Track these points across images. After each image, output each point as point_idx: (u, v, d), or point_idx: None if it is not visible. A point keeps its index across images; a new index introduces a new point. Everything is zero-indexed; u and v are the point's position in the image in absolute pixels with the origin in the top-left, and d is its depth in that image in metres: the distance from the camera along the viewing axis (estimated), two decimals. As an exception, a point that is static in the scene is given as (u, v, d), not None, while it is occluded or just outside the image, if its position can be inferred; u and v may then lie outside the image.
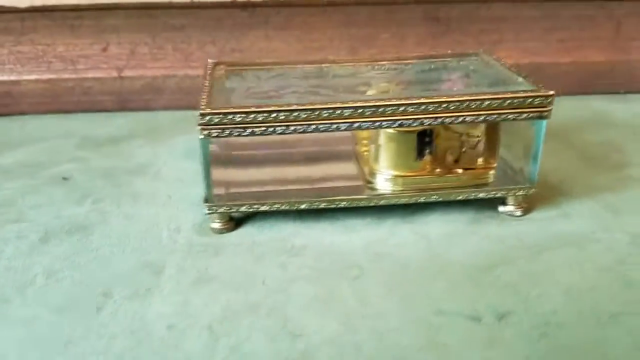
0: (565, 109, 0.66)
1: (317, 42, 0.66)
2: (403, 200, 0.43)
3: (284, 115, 0.39)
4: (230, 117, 0.38)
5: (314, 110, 0.39)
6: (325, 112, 0.39)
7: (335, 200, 0.42)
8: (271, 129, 0.39)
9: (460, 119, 0.40)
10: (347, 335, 0.31)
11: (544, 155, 0.51)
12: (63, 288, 0.35)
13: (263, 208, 0.42)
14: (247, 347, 0.31)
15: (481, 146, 0.44)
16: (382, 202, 0.43)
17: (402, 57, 0.51)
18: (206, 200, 0.41)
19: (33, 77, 0.63)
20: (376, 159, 0.44)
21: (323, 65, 0.50)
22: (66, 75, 0.64)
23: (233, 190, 0.43)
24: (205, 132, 0.39)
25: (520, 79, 0.44)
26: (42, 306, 0.34)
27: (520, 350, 0.30)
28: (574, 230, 0.42)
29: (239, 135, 0.39)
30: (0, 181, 0.49)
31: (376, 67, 0.51)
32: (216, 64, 0.49)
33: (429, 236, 0.41)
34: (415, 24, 0.67)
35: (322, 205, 0.42)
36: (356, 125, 0.40)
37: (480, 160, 0.44)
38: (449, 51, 0.53)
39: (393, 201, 0.43)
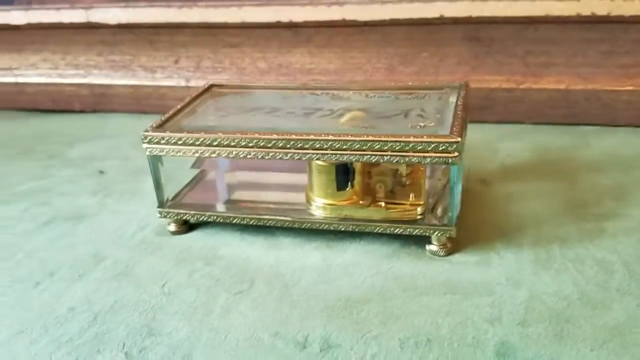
0: (607, 143, 0.61)
1: (356, 59, 0.69)
2: (324, 227, 0.45)
3: (209, 141, 0.44)
4: (167, 139, 0.45)
5: (234, 139, 0.44)
6: (243, 141, 0.44)
7: (262, 219, 0.46)
8: (202, 152, 0.45)
9: (365, 157, 0.42)
10: (192, 337, 0.37)
11: (533, 196, 0.50)
12: (28, 264, 0.46)
13: (202, 218, 0.48)
14: (108, 337, 0.37)
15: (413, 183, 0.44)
16: (304, 226, 0.46)
17: (384, 87, 0.53)
18: (159, 206, 0.48)
19: (122, 82, 0.76)
20: (310, 187, 0.47)
21: (313, 90, 0.54)
22: (146, 82, 0.76)
23: (186, 200, 0.50)
24: (149, 149, 0.46)
25: (450, 122, 0.43)
26: (6, 277, 0.44)
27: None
28: (477, 279, 0.41)
29: (174, 155, 0.45)
30: (57, 170, 0.62)
31: (356, 94, 0.53)
32: (211, 86, 0.56)
33: (333, 264, 0.43)
34: (455, 44, 0.66)
35: (252, 222, 0.47)
36: (271, 155, 0.43)
37: (411, 197, 0.45)
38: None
39: (315, 226, 0.46)
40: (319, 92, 0.55)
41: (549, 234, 0.45)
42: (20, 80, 0.81)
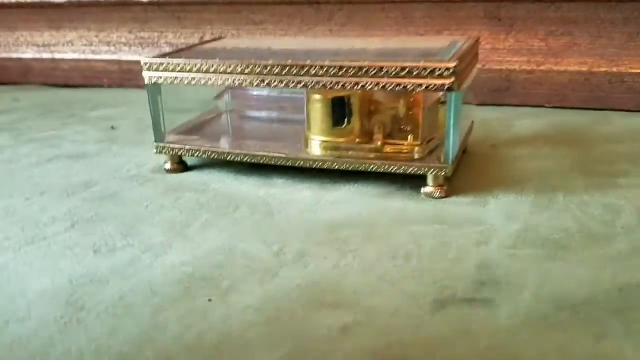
0: (631, 121, 0.57)
1: (377, 37, 0.68)
2: (318, 165, 0.44)
3: (206, 67, 0.44)
4: (165, 65, 0.45)
5: (230, 64, 0.43)
6: (239, 67, 0.43)
7: (256, 155, 0.45)
8: (199, 79, 0.44)
9: (361, 85, 0.40)
10: (165, 243, 0.35)
11: (543, 158, 0.47)
12: (22, 185, 0.45)
13: (197, 154, 0.47)
14: (82, 239, 0.36)
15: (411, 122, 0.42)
16: (298, 164, 0.44)
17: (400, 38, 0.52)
18: (155, 140, 0.48)
19: (149, 58, 0.77)
20: (308, 124, 0.45)
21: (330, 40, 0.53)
22: (172, 58, 0.76)
23: (183, 137, 0.49)
24: (148, 77, 0.45)
25: (452, 54, 0.41)
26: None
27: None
28: (469, 215, 0.38)
29: (172, 82, 0.45)
30: (74, 125, 0.63)
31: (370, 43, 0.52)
32: (221, 37, 0.56)
33: (322, 199, 0.41)
34: (476, 23, 0.64)
35: (247, 159, 0.45)
36: (267, 82, 0.42)
37: (410, 138, 0.43)
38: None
39: (309, 164, 0.44)
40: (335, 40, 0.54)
41: (554, 185, 0.42)
42: (57, 56, 0.83)
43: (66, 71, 0.83)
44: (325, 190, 0.43)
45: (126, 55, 0.79)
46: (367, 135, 0.44)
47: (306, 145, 0.45)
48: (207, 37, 0.75)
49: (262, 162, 0.45)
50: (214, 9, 0.73)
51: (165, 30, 0.77)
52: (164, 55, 0.46)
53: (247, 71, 0.42)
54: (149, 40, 0.77)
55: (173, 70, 0.44)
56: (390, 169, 0.42)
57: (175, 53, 0.48)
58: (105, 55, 0.80)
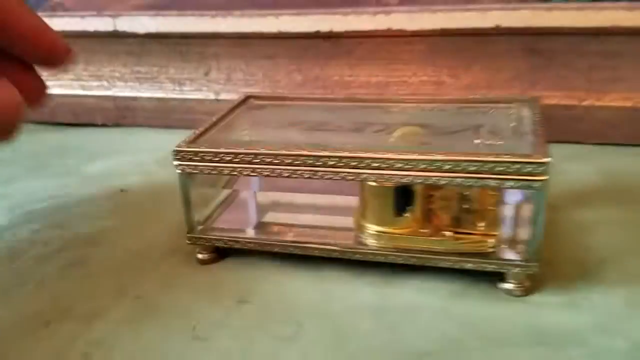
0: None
1: (400, 71, 0.63)
2: (379, 258, 0.39)
3: (250, 157, 0.38)
4: (202, 155, 0.39)
5: (277, 155, 0.37)
6: (287, 159, 0.37)
7: (307, 247, 0.40)
8: (241, 170, 0.39)
9: (431, 180, 0.35)
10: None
11: (602, 225, 0.43)
12: (37, 300, 0.40)
13: (237, 246, 0.41)
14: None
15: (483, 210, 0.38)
16: (356, 257, 0.39)
17: (442, 100, 0.47)
18: (188, 231, 0.42)
19: (147, 94, 0.71)
20: (362, 212, 0.40)
21: (362, 102, 0.49)
22: (173, 95, 0.70)
23: (217, 225, 0.44)
24: (181, 166, 0.40)
25: (531, 140, 0.36)
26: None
27: None
28: (566, 326, 0.34)
29: (209, 173, 0.39)
30: (74, 186, 0.56)
31: (411, 107, 0.47)
32: (247, 97, 0.50)
33: (390, 304, 0.37)
34: (511, 57, 0.60)
35: (296, 252, 0.40)
36: (319, 174, 0.37)
37: (481, 226, 0.38)
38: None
39: (368, 257, 0.39)
40: (368, 104, 0.49)
41: (634, 270, 0.38)
42: (42, 92, 0.76)
43: (51, 107, 0.75)
44: (389, 288, 0.38)
45: (121, 91, 0.72)
46: (433, 224, 0.39)
47: (361, 235, 0.40)
48: (213, 73, 0.69)
49: (312, 254, 0.40)
50: (221, 41, 0.67)
51: (165, 65, 0.70)
52: (197, 137, 0.41)
53: (297, 162, 0.37)
54: (147, 74, 0.71)
55: (210, 161, 0.39)
56: (466, 265, 0.37)
57: (207, 132, 0.42)
58: (97, 90, 0.73)
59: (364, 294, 0.38)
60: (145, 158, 0.62)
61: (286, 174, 0.38)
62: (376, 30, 0.61)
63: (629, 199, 0.48)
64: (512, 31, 0.58)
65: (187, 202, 0.41)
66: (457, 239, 0.38)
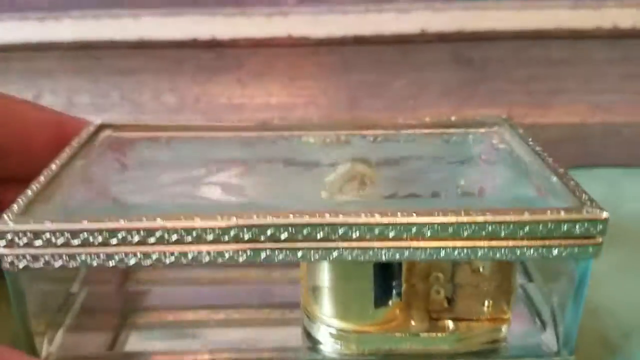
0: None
1: (307, 90, 0.52)
2: (350, 372, 0.27)
3: (143, 235, 0.24)
4: (48, 236, 0.24)
5: (178, 228, 0.24)
6: (196, 232, 0.24)
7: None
8: (125, 259, 0.25)
9: (439, 253, 0.24)
10: None
11: (602, 285, 0.35)
12: None
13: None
14: None
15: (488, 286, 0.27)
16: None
17: (379, 125, 0.36)
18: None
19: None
20: (317, 302, 0.28)
21: (267, 132, 0.36)
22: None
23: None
24: (11, 259, 0.24)
25: (556, 181, 0.27)
26: None
27: None
28: None
29: (54, 266, 0.24)
30: None
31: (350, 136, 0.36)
32: (100, 127, 0.35)
33: None
34: (441, 69, 0.51)
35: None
36: (252, 255, 0.24)
37: (486, 308, 0.28)
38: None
39: (333, 372, 0.27)
40: (284, 133, 0.37)
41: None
42: None
43: None
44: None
45: None
46: (419, 308, 0.28)
47: (315, 338, 0.28)
48: (47, 96, 0.52)
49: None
50: (55, 55, 0.51)
51: (-26, 88, 0.52)
52: (33, 200, 0.26)
53: (210, 239, 0.24)
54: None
55: (66, 245, 0.24)
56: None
57: (49, 189, 0.27)
58: None
59: None
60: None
61: (201, 259, 0.25)
62: (272, 38, 0.50)
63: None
64: (440, 37, 0.50)
65: (24, 324, 0.26)
66: (460, 330, 0.28)
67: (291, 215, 0.24)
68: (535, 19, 0.49)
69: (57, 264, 0.24)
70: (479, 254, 0.24)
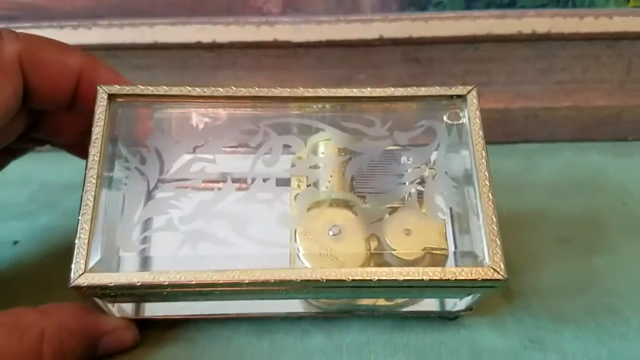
0: (558, 163, 0.64)
1: (288, 83, 0.66)
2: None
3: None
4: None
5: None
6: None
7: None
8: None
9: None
10: None
11: (513, 232, 0.46)
12: None
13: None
14: None
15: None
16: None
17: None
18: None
19: None
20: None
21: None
22: None
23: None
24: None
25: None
26: None
27: None
28: (491, 344, 0.41)
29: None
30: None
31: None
32: (111, 96, 0.41)
33: (341, 343, 0.41)
34: (394, 65, 0.65)
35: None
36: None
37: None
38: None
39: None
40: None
41: (555, 280, 0.46)
42: None
43: None
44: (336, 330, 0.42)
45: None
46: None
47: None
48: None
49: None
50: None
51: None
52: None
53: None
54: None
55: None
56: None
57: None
58: None
59: (312, 340, 0.42)
60: None
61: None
62: (261, 42, 0.63)
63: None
64: (394, 42, 0.63)
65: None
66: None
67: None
68: (470, 26, 0.63)
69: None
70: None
